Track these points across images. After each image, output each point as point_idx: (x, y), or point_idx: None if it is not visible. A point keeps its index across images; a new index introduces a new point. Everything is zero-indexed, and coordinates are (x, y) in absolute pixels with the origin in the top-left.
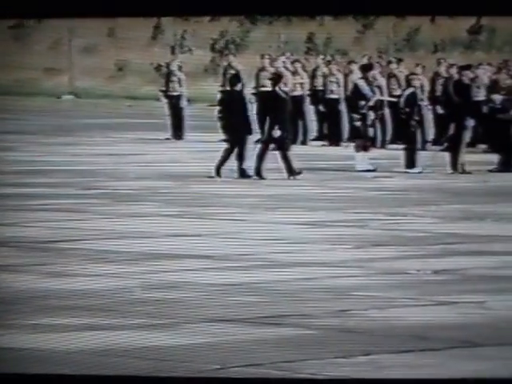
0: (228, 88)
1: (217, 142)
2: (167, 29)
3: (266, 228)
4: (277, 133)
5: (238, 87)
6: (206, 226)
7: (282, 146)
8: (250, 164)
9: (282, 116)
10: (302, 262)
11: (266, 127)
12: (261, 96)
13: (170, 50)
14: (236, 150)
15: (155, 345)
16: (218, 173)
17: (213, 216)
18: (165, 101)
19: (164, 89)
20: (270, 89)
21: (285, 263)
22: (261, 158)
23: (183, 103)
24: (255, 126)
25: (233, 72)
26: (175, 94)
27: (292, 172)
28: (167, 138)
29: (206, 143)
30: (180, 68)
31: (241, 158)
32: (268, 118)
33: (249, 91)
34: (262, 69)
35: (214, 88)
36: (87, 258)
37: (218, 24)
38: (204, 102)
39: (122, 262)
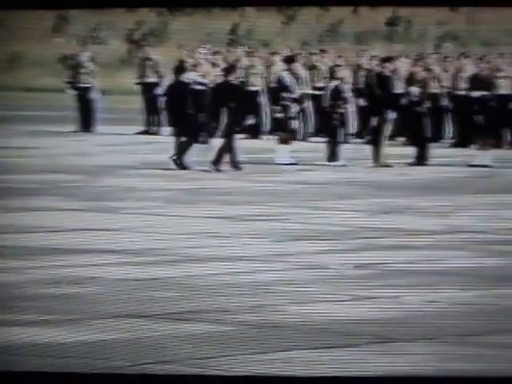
0: (174, 79)
1: (131, 135)
2: (75, 19)
3: (183, 222)
4: (249, 120)
5: (184, 78)
6: (117, 220)
7: (232, 137)
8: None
9: (239, 106)
10: (220, 256)
11: (225, 118)
12: (214, 88)
13: (77, 41)
14: (189, 143)
15: (62, 342)
16: (179, 165)
17: (126, 210)
18: (72, 93)
19: (71, 80)
20: (223, 80)
21: (202, 258)
22: (223, 150)
23: (95, 95)
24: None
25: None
26: (85, 85)
27: (236, 164)
28: (74, 131)
29: (119, 136)
30: (92, 59)
31: (183, 150)
32: (225, 109)
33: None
34: (182, 60)
35: (129, 79)
36: None
37: (135, 14)
38: (119, 94)
39: (21, 256)
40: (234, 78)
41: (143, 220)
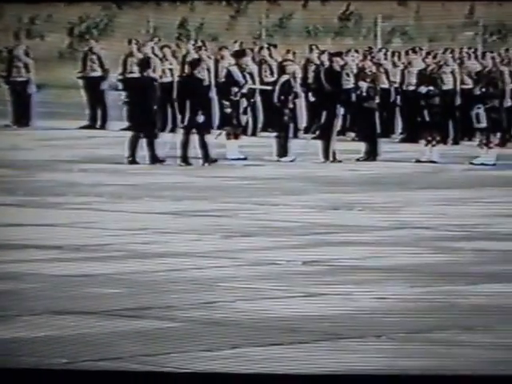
0: (137, 74)
1: (72, 130)
2: (10, 12)
3: (128, 218)
4: (200, 118)
5: (148, 73)
6: (56, 215)
7: (203, 132)
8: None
9: (203, 101)
10: (167, 252)
11: (188, 113)
12: (179, 82)
13: (13, 34)
14: (145, 137)
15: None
16: (132, 161)
17: (65, 205)
18: (6, 87)
19: (5, 74)
20: (188, 73)
21: (148, 254)
22: (186, 144)
23: (31, 89)
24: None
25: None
26: (20, 79)
27: (208, 159)
28: (6, 125)
29: (59, 130)
30: (27, 53)
31: (152, 145)
32: (188, 103)
33: (117, 77)
34: (130, 54)
35: (70, 74)
36: None
37: (76, 8)
38: (58, 88)
39: None
40: (198, 72)
41: (86, 215)
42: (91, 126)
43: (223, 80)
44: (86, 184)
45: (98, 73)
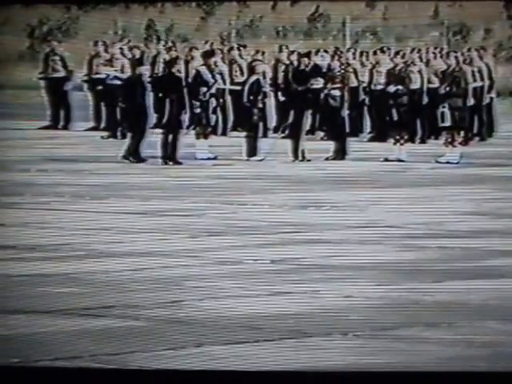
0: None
1: (32, 130)
2: None
3: (91, 217)
4: (183, 117)
5: (138, 71)
6: (13, 214)
7: (177, 130)
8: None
9: (182, 99)
10: (132, 251)
11: (167, 111)
12: (158, 80)
13: None
14: (138, 137)
15: None
16: (128, 158)
17: (22, 205)
18: None
19: None
20: (165, 72)
21: (112, 253)
22: (172, 143)
23: None
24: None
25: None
26: None
27: (175, 159)
28: None
29: (17, 131)
30: None
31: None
32: (168, 101)
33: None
34: (96, 55)
35: (28, 74)
36: None
37: (36, 10)
38: (16, 89)
39: None
40: (176, 71)
41: (42, 215)
42: (53, 127)
43: (192, 80)
44: (44, 184)
45: (61, 73)
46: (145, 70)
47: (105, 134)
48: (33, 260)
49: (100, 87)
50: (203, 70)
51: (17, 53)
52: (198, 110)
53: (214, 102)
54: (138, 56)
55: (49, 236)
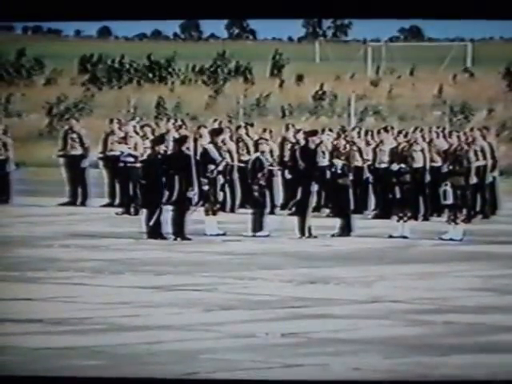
0: (150, 150)
1: (49, 207)
2: None
3: (109, 292)
4: (191, 193)
5: (161, 149)
6: (36, 289)
7: (185, 206)
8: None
9: (191, 176)
10: (148, 325)
11: (177, 188)
12: (168, 158)
13: None
14: (151, 212)
15: None
16: (158, 235)
17: (45, 280)
18: None
19: None
20: (175, 150)
21: (129, 327)
22: (180, 220)
23: (10, 167)
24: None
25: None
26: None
27: (183, 236)
28: None
29: (36, 207)
30: (5, 132)
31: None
32: (177, 178)
33: (97, 155)
34: (111, 133)
35: (48, 152)
36: None
37: (55, 88)
38: (36, 166)
39: None
40: (162, 149)
41: (66, 289)
42: (71, 203)
43: (200, 158)
44: (66, 259)
45: (79, 151)
46: (164, 148)
47: (119, 210)
48: (57, 333)
49: (114, 164)
50: (210, 147)
51: (37, 131)
52: (206, 187)
53: (221, 179)
54: (149, 134)
55: (72, 310)
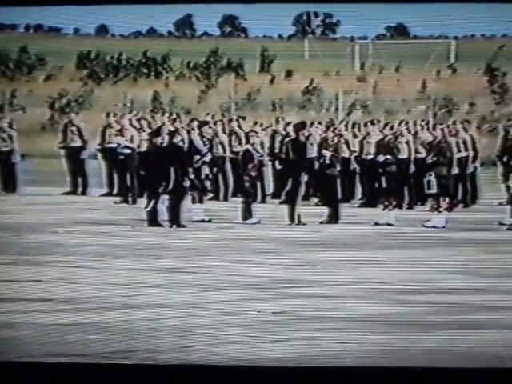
0: (148, 142)
1: (54, 196)
2: None
3: (112, 274)
4: (187, 182)
5: (158, 141)
6: (44, 272)
7: (180, 195)
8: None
9: (184, 167)
10: (148, 304)
11: (172, 178)
12: (163, 150)
13: None
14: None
15: None
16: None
17: (54, 263)
18: None
19: None
20: (169, 142)
21: (131, 305)
22: (175, 208)
23: (16, 158)
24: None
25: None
26: (5, 149)
27: (178, 223)
28: None
29: (40, 196)
30: (10, 125)
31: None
32: (172, 169)
33: (96, 147)
34: (108, 126)
35: (51, 144)
36: None
37: (56, 83)
38: (40, 158)
39: None
40: (159, 142)
41: (72, 272)
42: (73, 192)
43: (187, 149)
44: (71, 245)
45: (78, 143)
46: (161, 140)
47: (117, 199)
48: (66, 311)
49: (112, 155)
50: (197, 139)
51: (40, 124)
52: (191, 176)
53: (206, 169)
54: (145, 127)
55: (78, 290)
